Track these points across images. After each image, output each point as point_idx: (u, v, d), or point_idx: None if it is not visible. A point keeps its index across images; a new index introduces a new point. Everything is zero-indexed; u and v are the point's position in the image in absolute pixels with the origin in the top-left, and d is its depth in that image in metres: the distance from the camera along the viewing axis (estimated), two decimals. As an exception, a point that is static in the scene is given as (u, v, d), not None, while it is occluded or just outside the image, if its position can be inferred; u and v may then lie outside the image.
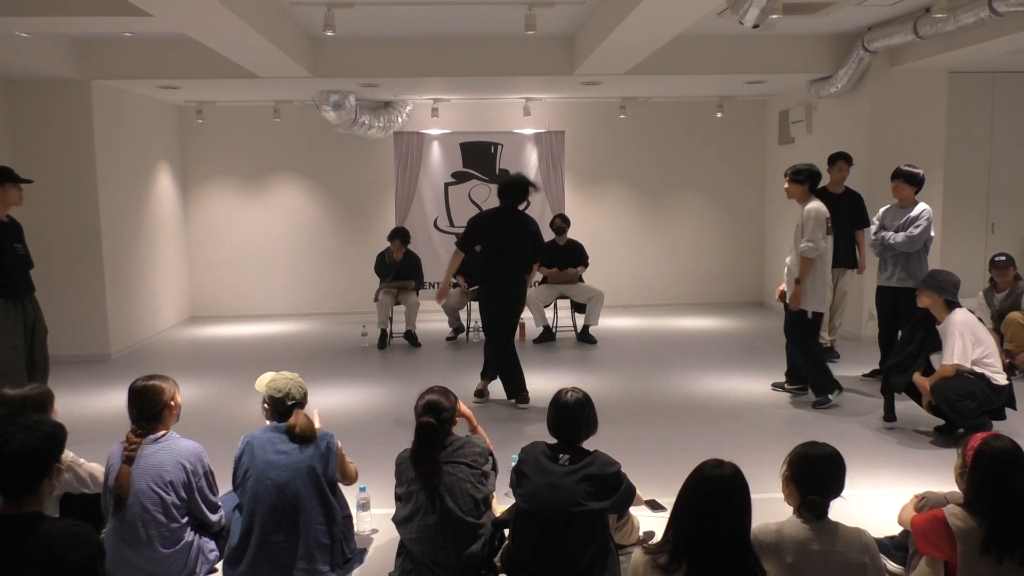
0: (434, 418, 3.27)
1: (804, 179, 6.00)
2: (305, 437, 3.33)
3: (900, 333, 6.24)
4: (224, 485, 3.56)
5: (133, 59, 7.92)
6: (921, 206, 6.27)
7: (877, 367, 6.69)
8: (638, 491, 3.29)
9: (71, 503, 3.38)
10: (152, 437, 3.24)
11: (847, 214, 7.24)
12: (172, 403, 3.32)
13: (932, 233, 6.28)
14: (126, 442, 3.22)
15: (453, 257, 6.33)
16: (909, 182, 6.29)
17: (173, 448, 3.23)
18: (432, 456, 3.24)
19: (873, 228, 6.53)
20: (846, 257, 7.34)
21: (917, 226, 6.18)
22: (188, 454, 3.24)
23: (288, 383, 3.43)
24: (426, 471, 3.22)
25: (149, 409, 3.26)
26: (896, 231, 6.28)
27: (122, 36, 7.62)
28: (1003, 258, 7.12)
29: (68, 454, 3.38)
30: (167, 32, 7.26)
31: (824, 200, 7.18)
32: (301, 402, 3.44)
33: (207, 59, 7.64)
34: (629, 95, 10.23)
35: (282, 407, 3.40)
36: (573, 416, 3.16)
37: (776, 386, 6.59)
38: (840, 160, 7.34)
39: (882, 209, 6.54)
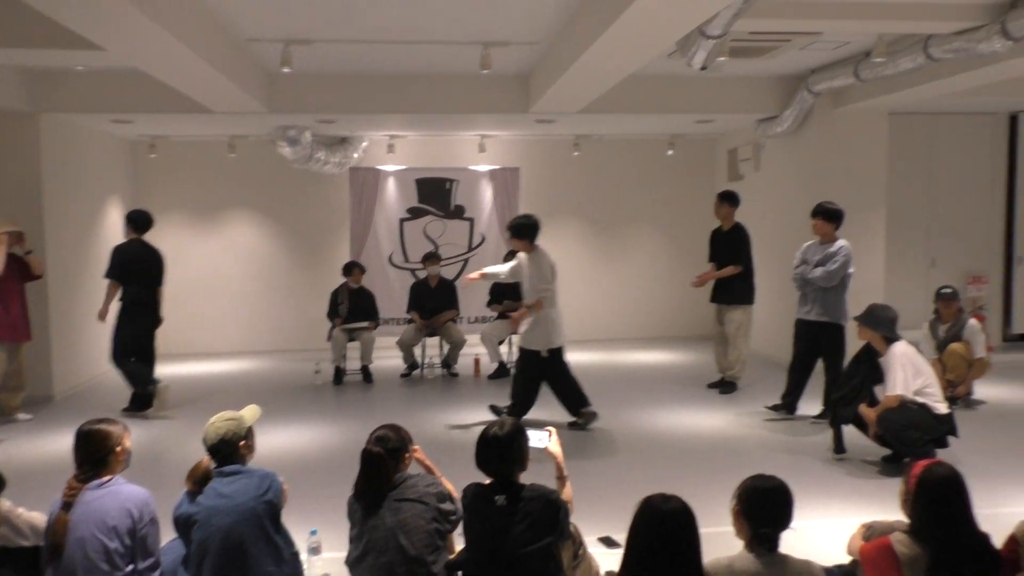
0: (381, 448, 3.23)
1: (525, 233, 6.43)
2: (195, 482, 3.20)
3: (825, 364, 6.55)
4: (167, 534, 3.46)
5: (85, 92, 7.82)
6: (840, 243, 6.41)
7: (823, 407, 6.74)
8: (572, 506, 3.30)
9: (7, 555, 3.23)
10: (97, 482, 3.13)
11: (728, 250, 7.64)
12: (119, 448, 3.22)
13: (851, 270, 6.40)
14: (66, 487, 3.11)
15: (111, 288, 7.13)
16: (828, 219, 6.45)
17: (118, 493, 3.12)
18: (375, 488, 3.19)
19: (795, 263, 6.68)
20: (728, 294, 7.67)
21: (835, 262, 6.32)
22: (135, 500, 3.12)
23: (206, 426, 3.31)
24: (369, 504, 3.17)
25: (94, 454, 3.16)
26: (815, 267, 6.43)
27: (74, 69, 7.54)
28: (949, 290, 7.31)
29: (4, 503, 3.24)
30: (120, 66, 7.20)
31: (713, 237, 7.84)
32: (216, 446, 3.27)
33: (161, 93, 7.57)
34: (583, 132, 10.40)
35: (204, 447, 3.32)
36: (504, 451, 3.10)
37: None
38: (716, 199, 7.84)
39: (804, 244, 6.67)
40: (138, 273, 7.12)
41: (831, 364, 6.49)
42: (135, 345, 7.17)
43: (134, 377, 7.16)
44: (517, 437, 3.16)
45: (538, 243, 6.52)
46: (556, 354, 6.47)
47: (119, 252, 7.17)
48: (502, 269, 6.75)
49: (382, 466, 3.20)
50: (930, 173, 9.62)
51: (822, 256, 6.44)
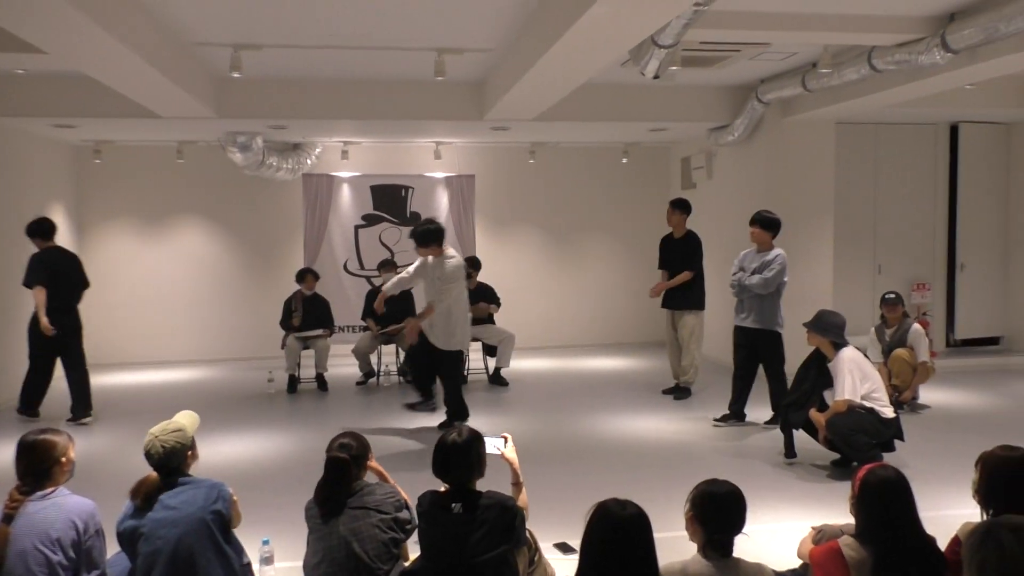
0: (347, 455, 3.23)
1: (432, 239, 6.44)
2: (139, 506, 3.09)
3: (767, 371, 6.61)
4: (112, 547, 3.36)
5: (26, 96, 7.61)
6: (776, 251, 6.52)
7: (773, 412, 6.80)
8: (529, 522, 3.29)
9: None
10: (40, 493, 3.04)
11: (680, 257, 7.76)
12: (64, 459, 3.12)
13: (786, 278, 6.50)
14: (8, 499, 3.02)
15: (40, 295, 6.96)
16: (765, 227, 6.56)
17: (63, 505, 3.03)
18: (338, 494, 3.18)
19: (733, 270, 6.77)
20: (681, 300, 7.77)
21: (771, 269, 6.42)
22: (80, 511, 3.03)
23: (149, 439, 3.16)
24: (329, 510, 3.15)
25: (38, 465, 3.06)
26: (752, 274, 6.52)
27: (14, 72, 7.32)
28: (892, 295, 7.49)
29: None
30: (63, 69, 7.03)
31: (665, 243, 7.91)
32: (164, 461, 3.15)
33: (106, 98, 7.39)
34: (538, 140, 10.44)
35: (149, 462, 3.18)
36: (462, 457, 3.09)
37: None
38: (668, 206, 7.94)
39: (742, 252, 6.77)
40: (62, 279, 7.11)
41: (772, 371, 6.59)
42: (60, 346, 7.13)
43: (26, 386, 7.25)
44: (475, 444, 3.15)
45: (445, 247, 6.56)
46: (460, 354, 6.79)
47: (41, 260, 7.09)
48: (404, 276, 6.75)
49: (347, 473, 3.20)
50: (876, 182, 9.85)
51: (759, 264, 6.52)
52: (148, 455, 3.17)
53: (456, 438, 3.12)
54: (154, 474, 3.17)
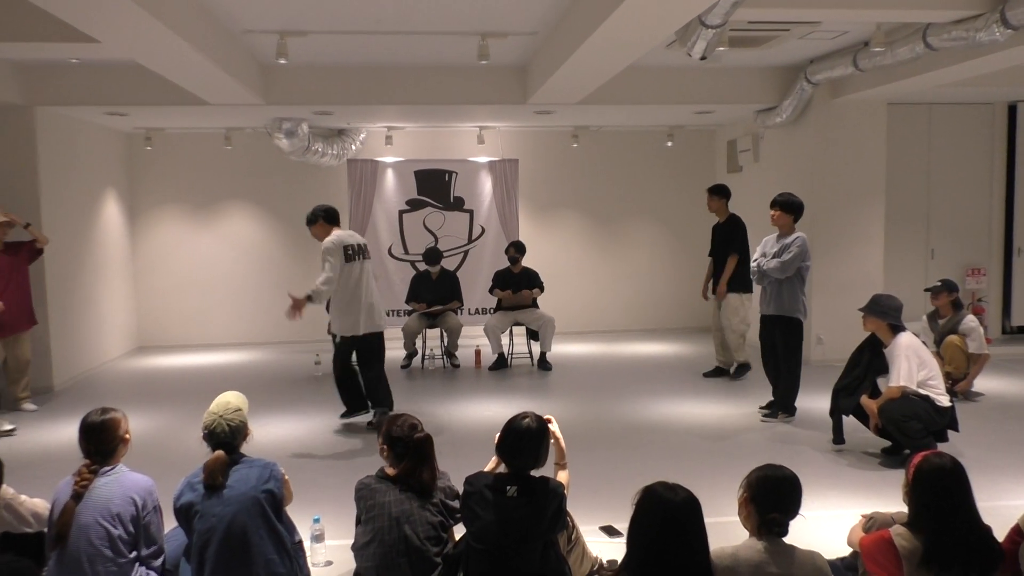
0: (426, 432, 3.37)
1: (317, 218, 6.53)
2: (210, 485, 3.13)
3: (782, 359, 6.36)
4: (169, 523, 3.46)
5: (79, 85, 7.78)
6: (796, 235, 6.29)
7: (772, 399, 6.60)
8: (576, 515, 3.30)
9: (11, 541, 3.25)
10: (102, 470, 3.15)
11: (722, 241, 7.74)
12: (127, 436, 3.24)
13: (808, 263, 6.25)
14: (78, 476, 3.12)
15: None
16: (786, 210, 6.33)
17: (123, 481, 3.14)
18: (433, 475, 3.30)
19: (754, 256, 6.57)
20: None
21: (788, 252, 6.18)
22: (138, 488, 3.14)
23: (213, 419, 3.23)
24: (426, 490, 3.27)
25: (107, 444, 3.17)
26: (772, 259, 6.31)
27: (68, 62, 7.50)
28: (937, 284, 7.32)
29: (8, 490, 3.28)
30: (115, 58, 7.17)
31: (712, 231, 7.97)
32: (228, 440, 3.23)
33: (156, 85, 7.54)
34: (581, 124, 10.36)
35: (211, 440, 3.26)
36: (534, 444, 3.10)
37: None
38: (707, 194, 7.91)
39: (764, 238, 6.56)
40: None
41: (786, 359, 6.36)
42: None
43: None
44: (546, 433, 3.20)
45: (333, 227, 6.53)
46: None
47: None
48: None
49: (432, 448, 3.32)
50: (929, 164, 9.59)
51: (779, 248, 6.32)
52: (213, 434, 3.23)
53: (531, 424, 3.14)
54: (221, 453, 3.22)
